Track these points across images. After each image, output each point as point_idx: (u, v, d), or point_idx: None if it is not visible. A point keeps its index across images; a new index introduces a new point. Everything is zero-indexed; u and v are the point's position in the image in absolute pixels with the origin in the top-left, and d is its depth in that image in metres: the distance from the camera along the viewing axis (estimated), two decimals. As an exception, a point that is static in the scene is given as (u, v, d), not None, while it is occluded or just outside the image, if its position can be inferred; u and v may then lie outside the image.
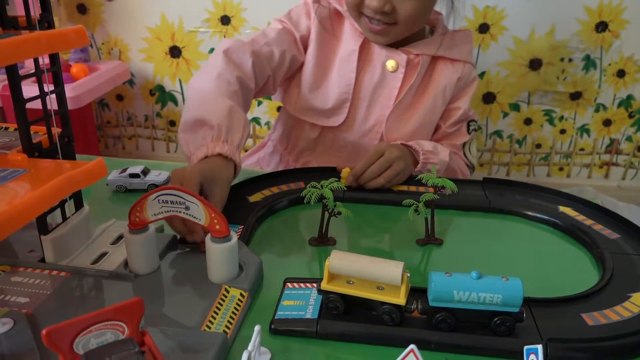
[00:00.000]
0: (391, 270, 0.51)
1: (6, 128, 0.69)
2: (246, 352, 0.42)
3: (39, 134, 0.61)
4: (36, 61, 0.56)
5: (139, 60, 1.99)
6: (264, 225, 0.76)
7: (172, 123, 2.08)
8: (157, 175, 0.85)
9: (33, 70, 0.57)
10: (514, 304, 0.51)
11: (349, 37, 0.99)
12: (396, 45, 0.98)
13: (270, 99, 1.89)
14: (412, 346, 0.41)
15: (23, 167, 0.54)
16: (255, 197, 0.81)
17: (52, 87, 0.59)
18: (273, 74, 0.97)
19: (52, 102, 0.60)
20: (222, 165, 0.74)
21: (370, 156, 0.84)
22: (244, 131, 0.80)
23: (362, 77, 0.99)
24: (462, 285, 0.51)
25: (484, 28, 1.74)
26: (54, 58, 0.58)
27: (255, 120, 2.01)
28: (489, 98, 1.86)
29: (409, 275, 0.53)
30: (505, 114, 1.88)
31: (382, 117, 1.00)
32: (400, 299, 0.52)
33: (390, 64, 0.98)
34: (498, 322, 0.51)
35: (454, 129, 1.04)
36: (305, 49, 1.01)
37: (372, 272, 0.52)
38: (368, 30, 0.94)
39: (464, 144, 1.04)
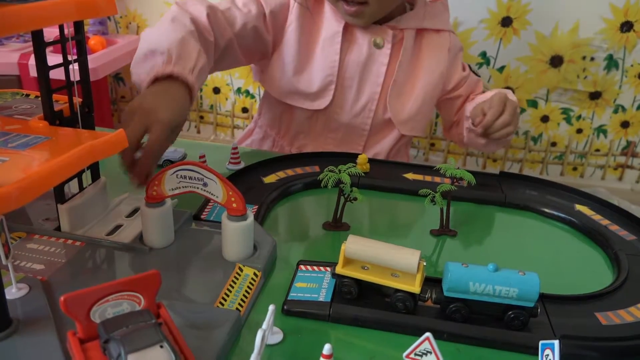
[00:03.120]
0: (408, 257, 0.51)
1: (27, 95, 0.69)
2: (261, 330, 0.42)
3: (59, 102, 0.61)
4: (61, 28, 0.56)
5: (157, 36, 1.98)
6: (278, 207, 0.76)
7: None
8: (172, 152, 0.85)
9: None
10: (530, 298, 0.50)
11: (331, 18, 0.98)
12: (380, 22, 0.98)
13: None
14: (427, 334, 0.41)
15: (44, 134, 0.54)
16: (269, 179, 0.80)
17: (75, 57, 0.59)
18: (237, 40, 0.93)
19: (74, 72, 0.59)
20: (173, 87, 0.72)
21: (497, 105, 0.89)
22: (198, 58, 0.77)
23: (347, 57, 0.98)
24: (478, 277, 0.50)
25: (506, 22, 1.72)
26: (78, 26, 0.57)
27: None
28: (506, 93, 1.83)
29: (425, 264, 0.52)
30: (522, 110, 1.86)
31: (373, 94, 1.00)
32: (415, 287, 0.51)
33: (376, 40, 0.98)
34: (512, 315, 0.51)
35: (469, 88, 1.06)
36: (273, 26, 0.98)
37: (388, 258, 0.52)
38: (345, 13, 0.94)
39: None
